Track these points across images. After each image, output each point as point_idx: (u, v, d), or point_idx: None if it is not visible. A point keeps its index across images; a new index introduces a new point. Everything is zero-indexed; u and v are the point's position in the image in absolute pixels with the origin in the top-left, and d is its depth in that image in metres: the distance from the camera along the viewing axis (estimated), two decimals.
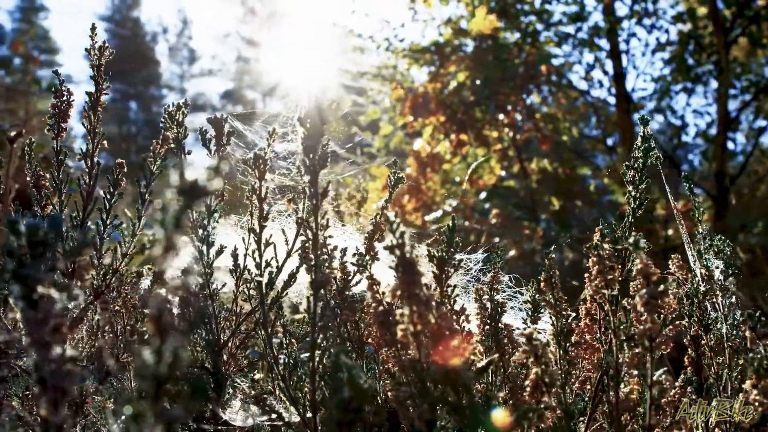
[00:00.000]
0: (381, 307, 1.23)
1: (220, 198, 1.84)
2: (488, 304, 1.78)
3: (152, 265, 1.82)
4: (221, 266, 1.79)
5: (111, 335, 1.64)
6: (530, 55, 9.55)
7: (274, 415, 1.40)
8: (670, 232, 10.11)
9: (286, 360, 1.49)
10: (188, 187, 0.61)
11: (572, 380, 1.68)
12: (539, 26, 10.42)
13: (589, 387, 1.63)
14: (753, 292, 4.80)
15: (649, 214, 9.61)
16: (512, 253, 7.77)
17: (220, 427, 1.50)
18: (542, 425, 1.29)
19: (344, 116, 11.73)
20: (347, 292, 1.66)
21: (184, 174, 0.61)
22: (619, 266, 1.42)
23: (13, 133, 1.20)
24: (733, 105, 10.78)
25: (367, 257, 1.75)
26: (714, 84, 10.81)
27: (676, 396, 1.55)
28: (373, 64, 10.82)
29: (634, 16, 10.72)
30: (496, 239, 8.24)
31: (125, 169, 1.70)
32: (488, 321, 1.78)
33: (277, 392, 1.55)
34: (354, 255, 1.72)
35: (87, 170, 1.69)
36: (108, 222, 1.68)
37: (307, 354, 1.35)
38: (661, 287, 1.15)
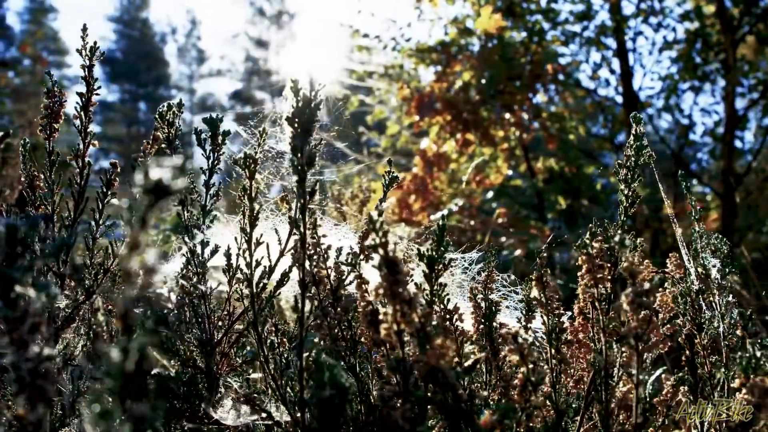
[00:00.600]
0: (369, 307, 1.23)
1: (216, 197, 1.84)
2: (482, 303, 1.78)
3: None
4: (219, 266, 1.79)
5: (106, 335, 1.65)
6: (536, 54, 9.53)
7: (263, 414, 1.40)
8: (680, 231, 10.04)
9: (278, 359, 1.50)
10: (152, 187, 0.61)
11: (566, 379, 1.68)
12: (546, 25, 10.40)
13: (581, 386, 1.63)
14: (759, 291, 4.78)
15: (658, 213, 9.60)
16: (518, 252, 7.75)
17: (212, 426, 1.50)
18: (531, 424, 1.28)
19: (351, 116, 11.75)
20: (341, 292, 1.66)
21: (149, 173, 0.61)
22: (609, 265, 1.42)
23: (0, 133, 1.20)
24: (740, 103, 10.74)
25: (361, 257, 1.75)
26: (721, 82, 10.77)
27: (668, 395, 1.55)
28: (380, 63, 10.82)
29: (641, 15, 10.69)
30: (503, 238, 8.24)
31: (118, 170, 1.70)
32: (482, 320, 1.78)
33: (270, 391, 1.55)
34: (348, 254, 1.72)
35: (78, 170, 1.69)
36: (101, 222, 1.68)
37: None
38: (647, 286, 1.14)
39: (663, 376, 1.68)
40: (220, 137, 1.83)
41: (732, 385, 1.28)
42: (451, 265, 1.50)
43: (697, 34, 10.54)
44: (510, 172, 10.27)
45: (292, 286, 1.74)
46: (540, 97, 10.40)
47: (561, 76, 10.73)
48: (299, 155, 1.29)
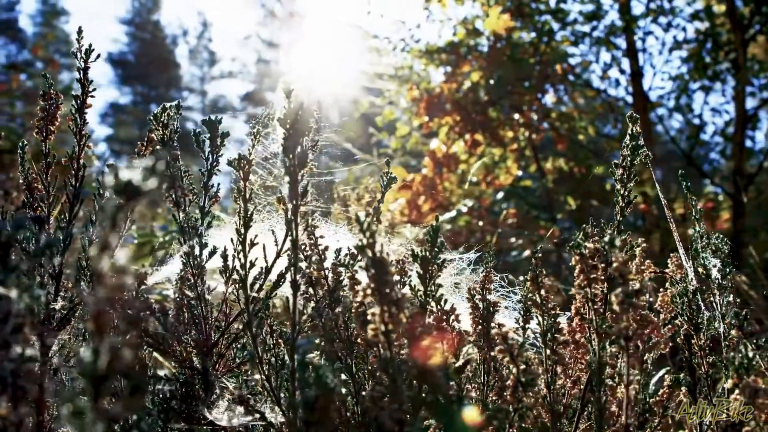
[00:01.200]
0: (362, 307, 1.24)
1: (215, 200, 1.85)
2: (480, 304, 1.78)
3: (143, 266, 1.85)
4: (219, 267, 1.80)
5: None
6: (545, 55, 9.51)
7: (257, 415, 1.40)
8: (690, 231, 10.01)
9: (273, 360, 1.50)
10: (122, 188, 0.61)
11: (565, 380, 1.68)
12: (555, 25, 10.38)
13: (579, 387, 1.63)
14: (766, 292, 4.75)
15: (670, 213, 9.55)
16: (527, 253, 7.74)
17: (207, 427, 1.51)
18: (524, 425, 1.28)
19: (362, 117, 11.75)
20: (339, 293, 1.66)
21: (119, 174, 0.61)
22: (603, 265, 1.41)
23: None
24: (751, 103, 10.70)
25: (359, 257, 1.76)
26: (732, 82, 10.72)
27: (664, 395, 1.54)
28: (390, 65, 10.82)
29: (650, 15, 10.65)
30: (512, 239, 8.23)
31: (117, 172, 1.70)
32: (480, 321, 1.78)
33: (265, 392, 1.55)
34: (345, 255, 1.73)
35: (74, 172, 1.70)
36: (97, 224, 1.69)
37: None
38: (637, 286, 1.14)
39: (666, 377, 1.67)
40: (218, 139, 1.84)
41: (725, 385, 1.27)
42: (445, 266, 1.50)
43: (707, 33, 10.49)
44: (520, 173, 10.26)
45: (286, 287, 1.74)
46: (549, 98, 10.38)
47: (571, 77, 10.72)
48: (290, 156, 1.29)
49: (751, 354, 1.21)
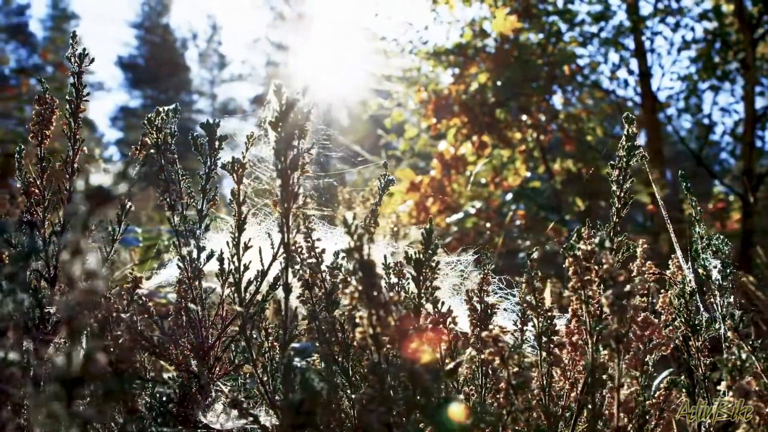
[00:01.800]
0: (355, 310, 1.23)
1: (213, 203, 1.85)
2: (478, 306, 1.78)
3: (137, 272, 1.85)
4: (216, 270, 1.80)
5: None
6: (552, 56, 9.49)
7: (250, 418, 1.40)
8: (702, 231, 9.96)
9: (267, 363, 1.50)
10: (93, 192, 0.61)
11: (564, 382, 1.67)
12: (563, 26, 10.35)
13: (575, 390, 1.62)
14: None
15: (679, 214, 9.52)
16: (536, 254, 7.72)
17: (201, 430, 1.51)
18: (517, 428, 1.28)
19: (370, 119, 11.75)
20: (336, 295, 1.66)
21: (90, 179, 0.61)
22: (597, 267, 1.41)
23: None
24: (760, 102, 10.68)
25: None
26: (741, 81, 10.68)
27: (660, 397, 1.53)
28: (398, 66, 10.81)
29: (658, 14, 10.63)
30: (520, 241, 8.21)
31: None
32: (478, 323, 1.77)
33: (260, 395, 1.55)
34: (343, 258, 1.72)
35: (68, 177, 1.70)
36: (93, 228, 1.69)
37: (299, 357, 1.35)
38: (627, 288, 1.13)
39: (675, 377, 1.66)
40: (216, 142, 1.84)
41: (719, 387, 1.27)
42: (439, 268, 1.50)
43: (716, 33, 10.46)
44: (528, 174, 10.24)
45: (294, 290, 1.74)
46: (557, 99, 10.36)
47: (579, 78, 10.70)
48: (282, 159, 1.29)
49: (744, 356, 1.20)
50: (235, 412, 1.49)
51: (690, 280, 1.78)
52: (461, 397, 1.73)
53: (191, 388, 1.62)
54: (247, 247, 1.64)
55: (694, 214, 1.92)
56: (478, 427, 1.03)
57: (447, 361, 1.69)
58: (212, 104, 50.32)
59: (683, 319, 1.71)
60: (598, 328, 1.33)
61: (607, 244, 1.17)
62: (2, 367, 0.83)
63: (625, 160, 1.62)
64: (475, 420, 1.03)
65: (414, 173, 9.45)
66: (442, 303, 1.66)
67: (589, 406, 1.35)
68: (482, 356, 1.71)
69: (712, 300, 1.81)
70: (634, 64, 11.20)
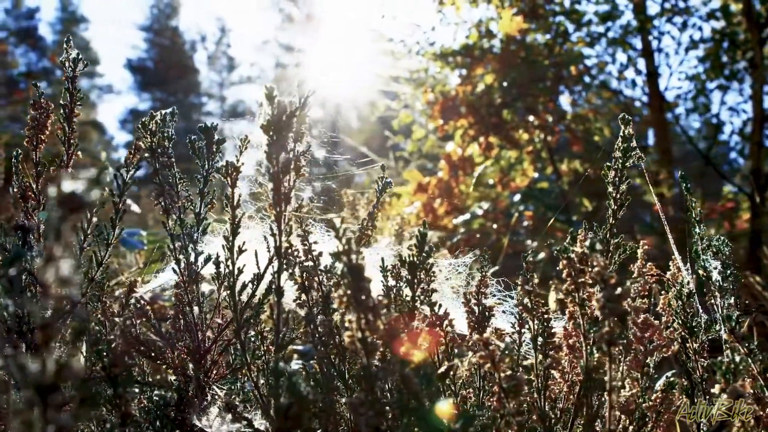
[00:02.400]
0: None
1: (211, 206, 1.85)
2: (476, 308, 1.77)
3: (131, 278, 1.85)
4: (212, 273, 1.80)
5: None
6: (559, 56, 9.48)
7: (245, 422, 1.40)
8: (712, 231, 9.99)
9: (263, 367, 1.50)
10: (65, 199, 0.61)
11: (563, 384, 1.67)
12: (570, 27, 10.34)
13: (573, 393, 1.62)
14: None
15: (686, 214, 9.47)
16: (542, 255, 7.70)
17: None
18: (510, 431, 1.27)
19: (378, 121, 11.76)
20: (333, 297, 1.65)
21: (62, 185, 0.61)
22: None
23: None
24: None
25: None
26: (749, 81, 10.64)
27: (657, 400, 1.53)
28: (405, 68, 10.82)
29: (665, 14, 10.60)
30: (529, 241, 8.20)
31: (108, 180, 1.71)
32: (475, 325, 1.77)
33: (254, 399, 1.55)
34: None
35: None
36: (89, 232, 1.70)
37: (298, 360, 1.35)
38: (618, 290, 1.13)
39: (673, 379, 1.65)
40: (214, 146, 1.84)
41: (713, 390, 1.26)
42: (433, 271, 1.49)
43: (723, 32, 10.43)
44: (536, 175, 10.22)
45: (291, 293, 1.74)
46: (564, 99, 10.35)
47: (587, 78, 10.68)
48: (274, 163, 1.29)
49: (738, 359, 1.19)
50: (229, 416, 1.50)
51: (688, 282, 1.77)
52: (458, 399, 1.72)
53: (188, 391, 1.62)
54: (241, 251, 1.64)
55: (694, 215, 1.91)
56: (467, 431, 1.03)
57: (445, 363, 1.68)
58: (221, 106, 50.42)
59: (680, 321, 1.70)
60: (591, 331, 1.32)
61: (598, 246, 1.16)
62: None
63: (621, 161, 1.61)
64: (465, 424, 1.02)
65: (421, 174, 9.45)
66: (439, 305, 1.66)
67: (584, 410, 1.35)
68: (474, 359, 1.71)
69: (712, 301, 1.81)
70: (641, 63, 11.19)
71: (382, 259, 1.79)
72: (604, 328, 1.14)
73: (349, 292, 1.05)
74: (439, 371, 1.20)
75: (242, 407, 1.51)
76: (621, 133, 1.62)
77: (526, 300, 1.55)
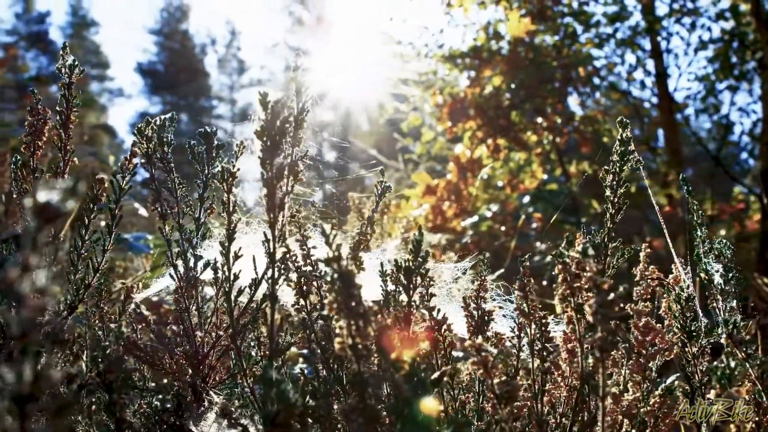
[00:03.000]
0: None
1: (211, 211, 1.85)
2: (475, 313, 1.77)
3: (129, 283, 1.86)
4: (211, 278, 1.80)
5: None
6: (567, 57, 9.47)
7: (239, 428, 1.40)
8: (722, 232, 9.95)
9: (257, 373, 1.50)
10: (40, 209, 0.61)
11: (563, 389, 1.66)
12: (578, 28, 10.33)
13: (572, 397, 1.61)
14: None
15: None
16: (550, 258, 7.68)
17: None
18: None
19: (387, 123, 11.77)
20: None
21: (37, 195, 0.61)
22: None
23: None
24: None
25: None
26: (759, 81, 10.60)
27: (655, 405, 1.52)
28: (414, 70, 10.83)
29: (673, 15, 10.58)
30: (539, 243, 8.18)
31: (105, 185, 1.71)
32: (475, 330, 1.76)
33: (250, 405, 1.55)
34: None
35: None
36: (87, 238, 1.70)
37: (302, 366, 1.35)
38: (611, 296, 1.12)
39: (671, 384, 1.65)
40: (214, 151, 1.84)
41: (708, 395, 1.25)
42: (429, 276, 1.49)
43: (733, 33, 10.40)
44: (545, 177, 10.22)
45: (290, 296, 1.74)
46: (573, 101, 10.34)
47: (596, 80, 10.66)
48: (268, 169, 1.29)
49: (733, 364, 1.19)
50: (225, 422, 1.49)
51: (688, 286, 1.76)
52: (457, 404, 1.72)
53: (185, 397, 1.62)
54: (237, 257, 1.64)
55: (695, 218, 1.90)
56: None
57: (443, 368, 1.68)
58: (232, 109, 50.50)
59: (679, 325, 1.69)
60: (587, 336, 1.32)
61: (591, 252, 1.16)
62: None
63: (618, 165, 1.61)
64: (454, 431, 1.02)
65: (430, 177, 9.45)
66: (438, 310, 1.66)
67: (582, 415, 1.34)
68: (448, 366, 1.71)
69: (714, 305, 1.80)
70: (650, 64, 11.17)
71: (381, 264, 1.79)
72: (597, 333, 1.13)
73: (339, 298, 1.05)
74: (433, 377, 1.20)
75: (240, 413, 1.51)
76: (619, 137, 1.61)
77: (523, 305, 1.55)
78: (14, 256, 1.52)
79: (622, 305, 1.62)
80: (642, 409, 1.51)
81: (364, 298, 1.41)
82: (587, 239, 1.66)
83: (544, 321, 1.55)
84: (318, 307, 1.65)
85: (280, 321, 2.41)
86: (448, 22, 10.09)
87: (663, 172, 10.45)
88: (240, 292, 1.64)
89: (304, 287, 1.63)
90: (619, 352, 1.61)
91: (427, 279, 1.47)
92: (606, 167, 1.65)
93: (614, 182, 1.63)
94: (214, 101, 50.64)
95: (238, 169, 1.69)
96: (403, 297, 1.49)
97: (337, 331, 1.08)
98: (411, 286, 1.45)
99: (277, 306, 2.14)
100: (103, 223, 1.82)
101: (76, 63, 1.74)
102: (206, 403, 1.58)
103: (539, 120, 9.43)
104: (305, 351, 2.64)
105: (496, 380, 1.17)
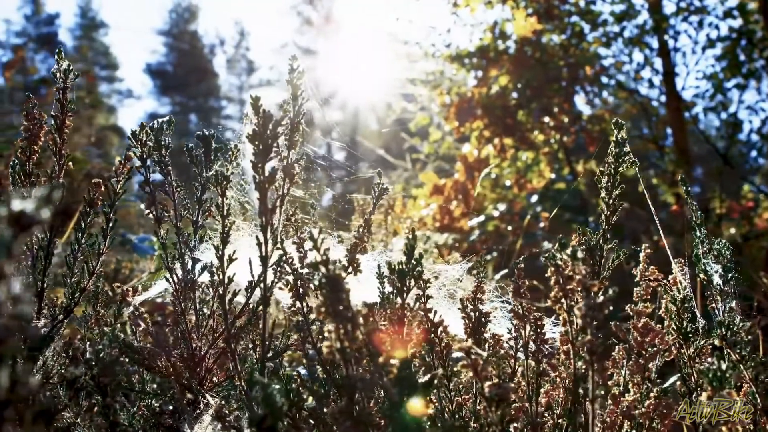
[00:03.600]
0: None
1: (208, 213, 1.85)
2: (472, 314, 1.77)
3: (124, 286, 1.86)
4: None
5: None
6: (574, 57, 9.45)
7: (233, 431, 1.40)
8: (732, 230, 9.92)
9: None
10: (15, 217, 0.62)
11: (558, 392, 1.66)
12: (586, 27, 10.30)
13: (567, 400, 1.61)
14: None
15: (707, 214, 9.40)
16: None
17: None
18: None
19: (395, 123, 11.77)
20: None
21: (11, 203, 0.62)
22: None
23: None
24: None
25: (350, 269, 1.76)
26: (767, 79, 10.58)
27: (651, 407, 1.51)
28: (421, 70, 10.83)
29: (680, 13, 10.54)
30: (546, 243, 8.16)
31: (102, 188, 1.72)
32: (472, 332, 1.76)
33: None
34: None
35: None
36: (83, 241, 1.70)
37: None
38: (600, 299, 1.12)
39: (667, 386, 1.64)
40: (212, 153, 1.84)
41: (700, 398, 1.25)
42: (423, 277, 1.49)
43: (741, 31, 10.36)
44: (553, 176, 10.20)
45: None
46: (580, 100, 10.32)
47: (604, 78, 10.63)
48: (260, 173, 1.29)
49: (723, 367, 1.18)
50: (220, 425, 1.50)
51: (685, 287, 1.75)
52: (454, 406, 1.72)
53: (182, 399, 1.63)
54: (231, 260, 1.64)
55: (694, 219, 1.89)
56: None
57: (439, 370, 1.68)
58: (241, 110, 50.45)
59: (675, 326, 1.69)
60: (578, 339, 1.31)
61: (580, 254, 1.15)
62: None
63: (613, 166, 1.60)
64: None
65: (438, 176, 9.45)
66: (435, 312, 1.66)
67: (572, 418, 1.34)
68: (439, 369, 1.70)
69: (715, 305, 1.79)
70: (658, 63, 11.14)
71: (379, 266, 1.79)
72: (587, 336, 1.13)
73: (327, 302, 1.05)
74: (423, 380, 1.20)
75: (236, 415, 1.51)
76: (614, 138, 1.61)
77: (518, 307, 1.55)
78: None
79: (621, 307, 1.62)
80: (636, 411, 1.50)
81: (363, 299, 1.41)
82: (583, 241, 1.65)
83: (539, 323, 1.55)
84: (314, 309, 1.65)
85: (283, 322, 2.40)
86: (454, 22, 10.08)
87: (671, 170, 10.41)
88: (235, 294, 1.64)
89: (300, 290, 1.63)
90: (620, 353, 1.61)
91: (422, 281, 1.47)
92: (601, 168, 1.64)
93: (609, 183, 1.62)
94: (223, 102, 50.74)
95: (232, 173, 1.69)
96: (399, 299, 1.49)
97: (326, 334, 1.08)
98: (404, 288, 1.45)
99: (278, 306, 2.15)
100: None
101: (71, 68, 1.75)
102: (202, 406, 1.58)
103: (546, 119, 9.42)
104: (311, 351, 2.64)
105: (486, 383, 1.16)
